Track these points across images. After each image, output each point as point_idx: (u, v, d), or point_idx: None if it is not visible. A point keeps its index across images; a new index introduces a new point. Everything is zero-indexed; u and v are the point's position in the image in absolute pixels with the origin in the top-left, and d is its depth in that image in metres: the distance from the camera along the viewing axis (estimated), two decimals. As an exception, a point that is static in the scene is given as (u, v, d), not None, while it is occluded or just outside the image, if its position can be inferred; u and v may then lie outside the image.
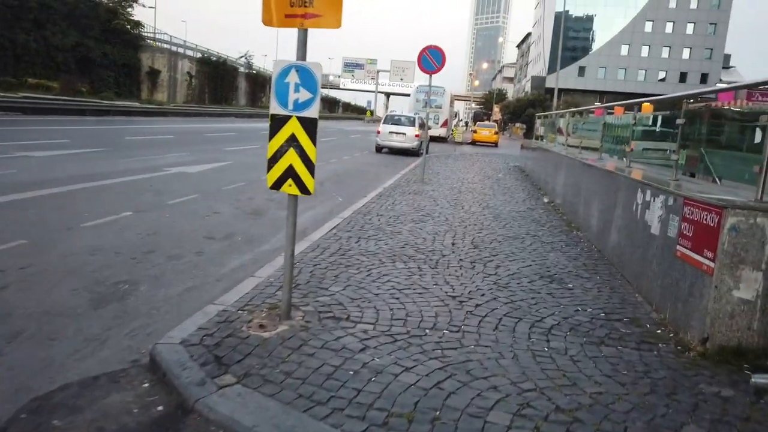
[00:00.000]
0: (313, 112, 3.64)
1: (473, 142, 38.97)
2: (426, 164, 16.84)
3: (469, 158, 22.26)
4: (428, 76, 13.05)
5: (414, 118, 23.18)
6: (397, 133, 22.53)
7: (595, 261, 6.16)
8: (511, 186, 13.08)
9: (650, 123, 7.18)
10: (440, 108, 37.58)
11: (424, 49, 12.80)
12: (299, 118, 3.65)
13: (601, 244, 6.64)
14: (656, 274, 4.60)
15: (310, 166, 3.69)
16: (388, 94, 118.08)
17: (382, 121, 23.63)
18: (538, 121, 21.71)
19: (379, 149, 22.97)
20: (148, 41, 42.70)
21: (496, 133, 39.01)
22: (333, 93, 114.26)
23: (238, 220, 7.50)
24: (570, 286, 5.15)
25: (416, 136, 22.40)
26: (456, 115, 55.83)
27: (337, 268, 5.23)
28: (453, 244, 6.57)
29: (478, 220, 8.30)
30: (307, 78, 3.61)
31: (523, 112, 64.08)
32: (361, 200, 9.62)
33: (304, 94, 3.62)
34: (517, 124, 78.00)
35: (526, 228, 7.93)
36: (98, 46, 36.93)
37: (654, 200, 4.83)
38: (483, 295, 4.69)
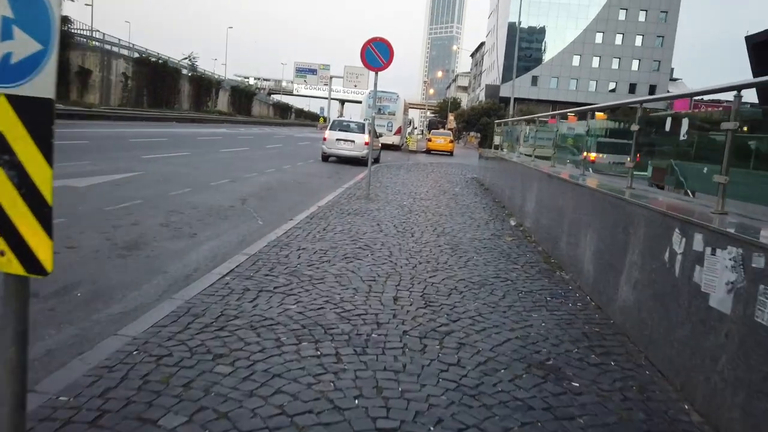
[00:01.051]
0: (42, 84, 1.57)
1: (428, 151, 37.36)
2: (375, 176, 14.84)
3: (423, 168, 20.44)
4: (374, 74, 11.10)
5: (364, 125, 21.21)
6: (345, 140, 20.52)
7: (600, 329, 4.26)
8: (470, 203, 11.23)
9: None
10: (394, 115, 35.81)
11: (368, 42, 10.85)
12: (11, 99, 1.58)
13: (601, 298, 4.77)
14: (733, 382, 2.73)
15: (39, 207, 1.61)
16: (342, 101, 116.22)
17: (329, 126, 21.57)
18: (497, 129, 20.10)
19: (325, 158, 20.90)
20: (78, 39, 39.24)
21: (452, 141, 37.54)
22: (286, 99, 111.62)
23: (98, 260, 5.30)
24: (575, 385, 3.23)
25: (366, 143, 20.44)
26: (410, 122, 54.31)
27: (198, 362, 3.14)
28: (395, 299, 4.57)
29: (432, 254, 6.34)
30: (28, 7, 1.55)
31: (477, 121, 63.20)
32: (286, 224, 7.54)
33: (21, 44, 1.55)
34: (472, 133, 77.41)
35: (494, 266, 6.01)
36: (18, 41, 33.36)
37: (714, 253, 2.97)
38: (439, 423, 2.69)
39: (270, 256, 5.76)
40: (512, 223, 8.97)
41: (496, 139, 18.88)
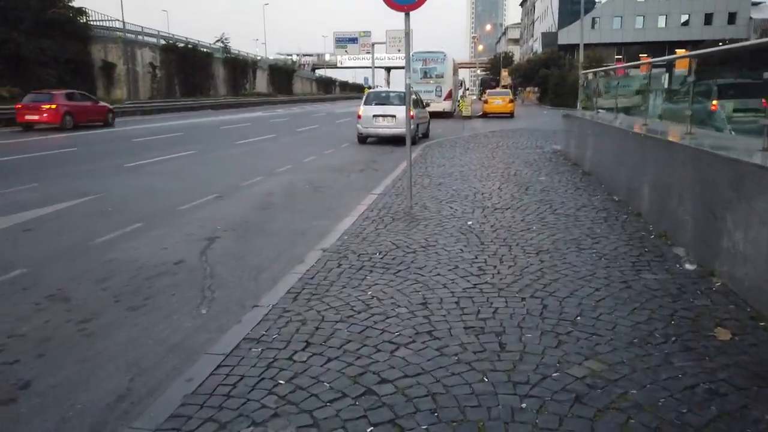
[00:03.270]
0: None
1: (484, 115, 32.76)
2: (422, 163, 10.96)
3: (483, 142, 16.23)
4: (403, 15, 7.12)
5: (405, 95, 17.12)
6: (384, 115, 16.57)
7: None
8: (577, 212, 7.03)
9: None
10: (442, 78, 31.33)
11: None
12: None
13: None
14: None
15: None
16: (388, 69, 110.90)
17: (363, 100, 17.64)
18: (588, 81, 15.37)
19: (362, 140, 17.06)
20: (98, 31, 36.71)
21: (512, 100, 32.67)
22: (330, 73, 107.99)
23: None
24: None
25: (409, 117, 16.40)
26: (461, 84, 49.30)
27: None
28: None
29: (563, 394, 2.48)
30: None
31: (536, 74, 57.22)
32: (249, 314, 3.84)
33: None
34: (528, 88, 71.08)
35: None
36: (31, 41, 31.08)
37: None
38: None
39: None
40: (690, 267, 4.77)
41: (583, 96, 14.37)
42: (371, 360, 3.13)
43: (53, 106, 21.13)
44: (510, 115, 31.88)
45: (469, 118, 30.96)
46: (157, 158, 12.92)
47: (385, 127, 16.53)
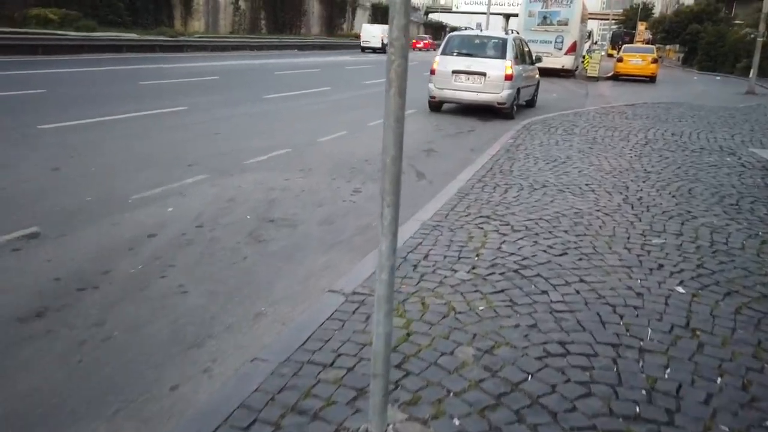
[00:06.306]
0: None
1: (615, 76, 25.76)
2: (509, 162, 5.68)
3: (618, 125, 10.37)
4: None
5: (505, 43, 11.42)
6: (468, 73, 11.11)
7: None
8: None
9: None
10: (566, 25, 24.55)
11: None
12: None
13: None
14: None
15: None
16: (507, 16, 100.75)
17: (441, 47, 12.18)
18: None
19: (435, 106, 11.79)
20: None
21: (655, 60, 25.23)
22: (444, 17, 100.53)
23: None
24: None
25: (507, 77, 10.85)
26: (589, 36, 41.18)
27: None
28: None
29: None
30: None
31: (684, 30, 47.19)
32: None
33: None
34: (669, 47, 59.96)
35: None
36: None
37: None
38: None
39: None
40: None
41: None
42: None
43: None
44: (651, 80, 24.67)
45: (596, 79, 24.22)
46: (155, 110, 8.64)
47: (470, 90, 11.10)
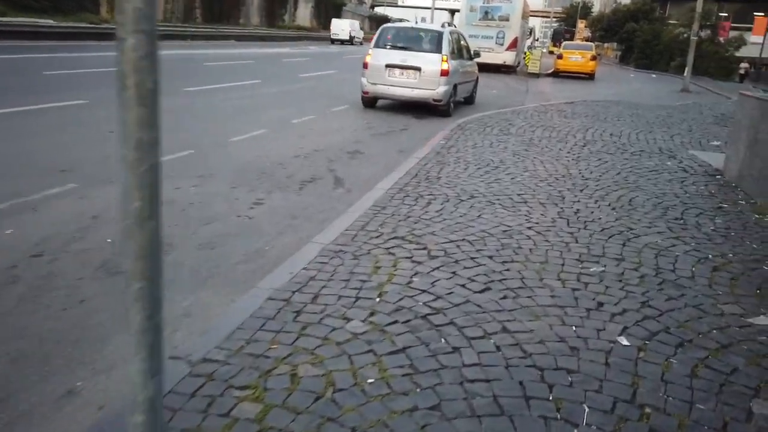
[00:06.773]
0: None
1: (555, 73, 25.76)
2: (420, 184, 4.85)
3: (557, 124, 9.91)
4: None
5: (441, 36, 10.76)
6: (402, 67, 10.39)
7: None
8: None
9: None
10: (507, 21, 24.27)
11: None
12: None
13: None
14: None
15: None
16: (452, 11, 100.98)
17: (374, 40, 11.41)
18: None
19: (368, 102, 11.02)
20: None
21: (594, 57, 25.34)
22: (389, 11, 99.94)
23: None
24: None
25: (443, 73, 10.21)
26: (531, 32, 41.44)
27: None
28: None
29: None
30: None
31: (621, 28, 48.25)
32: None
33: None
34: (607, 45, 61.38)
35: None
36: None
37: None
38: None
39: None
40: None
41: None
42: None
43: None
44: (590, 77, 24.78)
45: (537, 76, 24.08)
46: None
47: (404, 86, 10.40)
